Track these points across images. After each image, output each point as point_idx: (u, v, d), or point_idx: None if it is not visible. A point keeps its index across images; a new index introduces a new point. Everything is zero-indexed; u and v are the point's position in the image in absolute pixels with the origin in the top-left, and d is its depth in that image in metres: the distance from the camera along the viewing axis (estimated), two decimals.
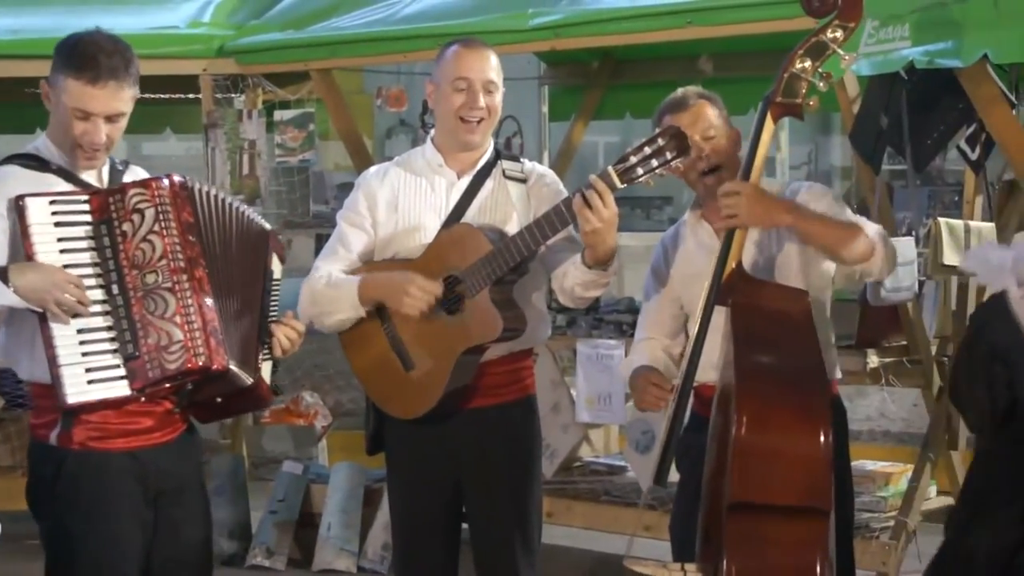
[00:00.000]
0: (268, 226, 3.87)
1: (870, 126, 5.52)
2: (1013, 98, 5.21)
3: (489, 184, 3.96)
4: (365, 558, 6.34)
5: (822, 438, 3.21)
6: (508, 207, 3.94)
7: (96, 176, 3.63)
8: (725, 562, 3.15)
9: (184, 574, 3.66)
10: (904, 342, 5.77)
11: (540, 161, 8.46)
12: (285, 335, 3.75)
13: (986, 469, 3.45)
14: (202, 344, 3.46)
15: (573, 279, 3.82)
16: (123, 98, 3.55)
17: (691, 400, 3.90)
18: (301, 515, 6.64)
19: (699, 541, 3.57)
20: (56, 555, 3.58)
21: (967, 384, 3.48)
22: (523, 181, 3.99)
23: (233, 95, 6.95)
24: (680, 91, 4.00)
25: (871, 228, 3.80)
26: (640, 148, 3.66)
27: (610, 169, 3.66)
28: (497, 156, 4.01)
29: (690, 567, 3.48)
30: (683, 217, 4.10)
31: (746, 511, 3.18)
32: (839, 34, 3.56)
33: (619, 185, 3.65)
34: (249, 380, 3.61)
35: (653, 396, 3.80)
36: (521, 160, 4.10)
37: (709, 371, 3.71)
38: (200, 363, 3.45)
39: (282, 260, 3.87)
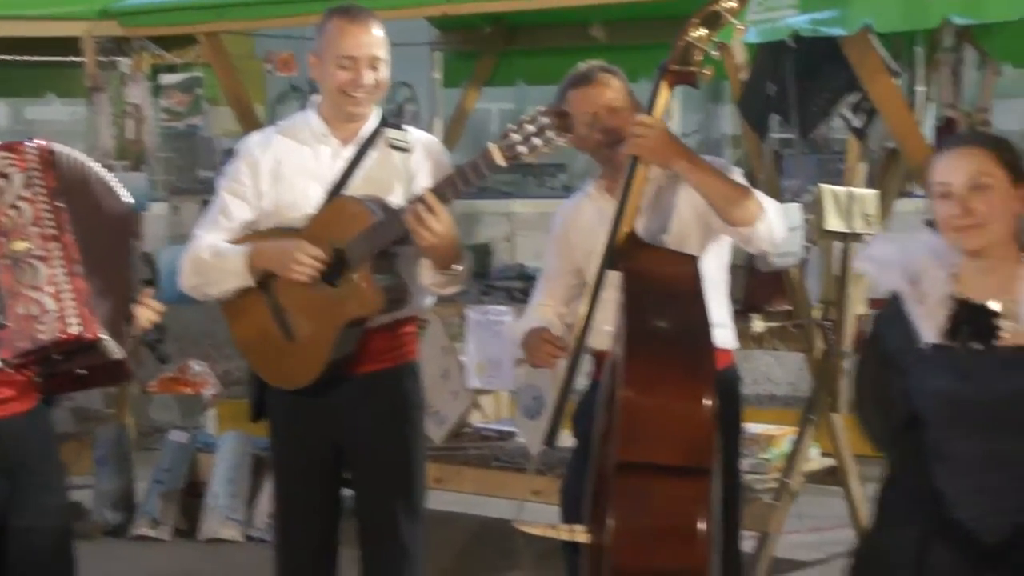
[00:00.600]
0: (131, 200, 3.76)
1: (757, 94, 5.59)
2: (895, 67, 5.29)
3: (373, 154, 3.94)
4: (252, 527, 6.34)
5: (705, 400, 3.23)
6: (392, 177, 3.92)
7: None
8: (611, 521, 3.18)
9: (41, 542, 3.58)
10: (789, 307, 5.86)
11: (432, 128, 8.48)
12: (145, 314, 3.60)
13: (890, 483, 3.30)
14: (75, 314, 3.40)
15: (427, 279, 3.88)
16: None
17: (591, 366, 3.95)
18: (187, 484, 6.60)
19: (588, 503, 3.59)
20: None
21: (867, 396, 3.37)
22: (407, 151, 3.96)
23: (117, 58, 6.89)
24: (584, 65, 4.01)
25: (765, 198, 3.81)
26: (521, 125, 3.66)
27: (491, 146, 3.67)
28: (382, 124, 3.99)
29: (578, 528, 3.52)
30: (585, 187, 4.12)
31: (632, 471, 3.20)
32: (734, 4, 3.56)
33: (501, 163, 3.66)
34: (121, 352, 3.52)
35: (546, 353, 3.84)
36: (405, 128, 4.07)
37: (607, 338, 3.72)
38: (74, 333, 3.39)
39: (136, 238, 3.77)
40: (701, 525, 3.18)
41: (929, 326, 3.13)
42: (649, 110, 3.67)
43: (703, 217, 3.84)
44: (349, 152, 3.93)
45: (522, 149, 3.65)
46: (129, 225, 3.66)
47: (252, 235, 3.96)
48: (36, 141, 3.53)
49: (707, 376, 3.29)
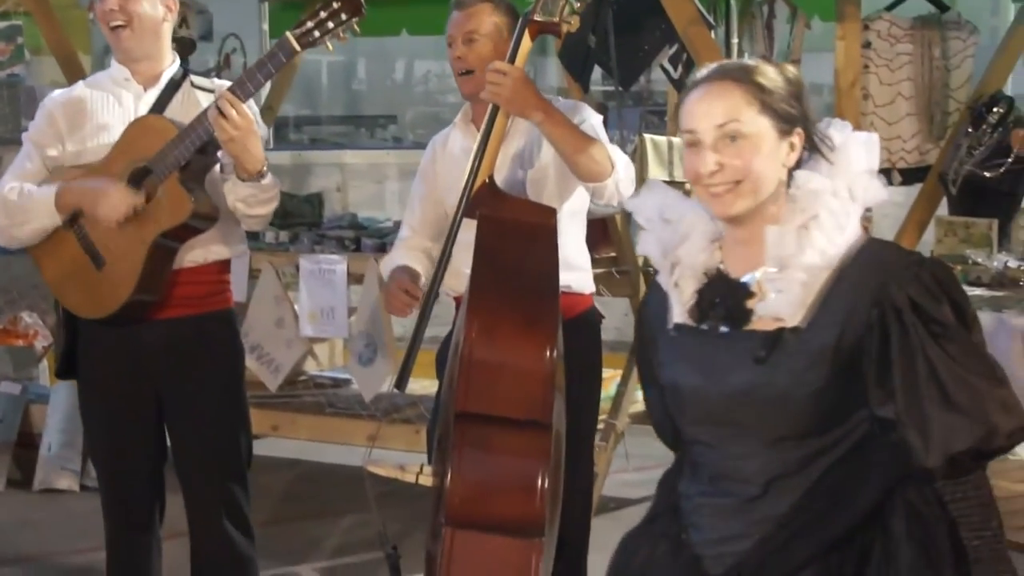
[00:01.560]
0: None
1: (579, 46, 5.68)
2: (711, 20, 5.45)
3: (179, 96, 3.92)
4: (88, 476, 6.27)
5: (546, 354, 3.14)
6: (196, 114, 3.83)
7: None
8: (451, 470, 3.11)
9: None
10: (613, 254, 6.01)
11: None
12: None
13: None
14: None
15: (233, 196, 3.82)
16: None
17: (453, 311, 3.94)
18: (20, 435, 6.56)
19: (436, 446, 3.58)
20: None
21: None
22: (211, 91, 3.93)
23: None
24: None
25: (617, 153, 3.79)
26: (316, 12, 3.68)
27: (288, 34, 3.68)
28: (185, 74, 3.97)
29: (428, 468, 3.51)
30: (455, 119, 4.11)
31: (471, 421, 3.12)
32: None
33: (298, 48, 3.66)
34: None
35: (401, 302, 3.83)
36: (212, 79, 4.07)
37: (464, 281, 3.61)
38: None
39: None
40: (537, 479, 3.10)
41: (679, 304, 2.61)
42: (512, 60, 3.61)
43: (562, 166, 3.80)
44: (153, 95, 3.90)
45: (317, 34, 3.66)
46: None
47: (58, 172, 3.90)
48: None
49: (549, 330, 3.19)
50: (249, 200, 3.82)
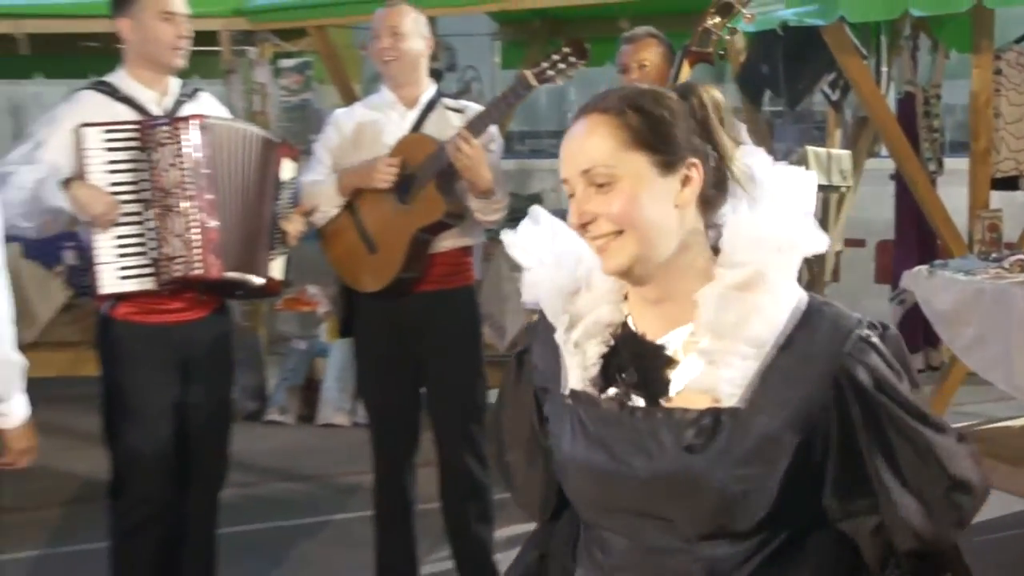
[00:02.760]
0: (276, 139, 3.79)
1: (753, 73, 5.63)
2: (864, 51, 5.34)
3: (434, 115, 3.97)
4: (358, 415, 6.32)
5: None
6: (450, 129, 3.90)
7: (157, 102, 3.59)
8: None
9: (207, 421, 3.63)
10: None
11: None
12: (294, 228, 3.74)
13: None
14: (199, 260, 3.47)
15: (473, 205, 3.86)
16: (182, 3, 3.56)
17: None
18: (306, 381, 6.67)
19: None
20: (105, 400, 3.59)
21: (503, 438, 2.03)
22: (461, 112, 3.98)
23: (247, 47, 6.91)
24: (639, 28, 3.98)
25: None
26: (550, 56, 3.73)
27: (526, 72, 3.72)
28: (439, 95, 4.02)
29: None
30: None
31: None
32: None
33: (535, 85, 3.70)
34: (259, 280, 3.60)
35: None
36: (461, 101, 4.12)
37: None
38: (197, 273, 3.48)
39: (295, 160, 3.80)
40: None
41: (578, 367, 1.79)
42: (674, 82, 3.54)
43: None
44: (413, 114, 3.95)
45: (550, 72, 3.70)
46: (268, 163, 3.68)
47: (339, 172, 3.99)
48: (194, 116, 3.52)
49: None
50: (484, 210, 3.86)
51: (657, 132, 1.69)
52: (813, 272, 5.98)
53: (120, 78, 3.59)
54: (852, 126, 6.09)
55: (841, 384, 1.67)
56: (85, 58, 8.11)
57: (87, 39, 7.42)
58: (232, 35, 6.81)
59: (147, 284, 3.49)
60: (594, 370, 1.77)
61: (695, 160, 1.69)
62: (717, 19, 3.57)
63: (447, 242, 3.94)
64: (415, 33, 3.93)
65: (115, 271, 3.46)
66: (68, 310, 6.87)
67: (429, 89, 4.02)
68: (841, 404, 1.67)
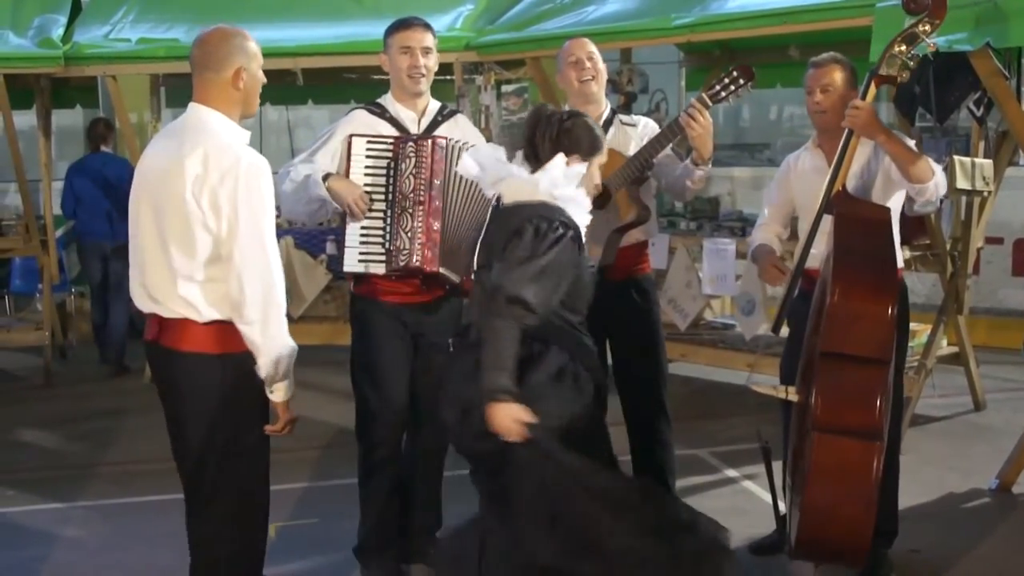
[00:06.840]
0: None
1: (907, 93, 5.44)
2: (1007, 73, 5.08)
3: (612, 130, 3.97)
4: None
5: (889, 309, 3.05)
6: (627, 142, 3.95)
7: (416, 121, 3.70)
8: (815, 391, 3.06)
9: (432, 385, 3.56)
10: (928, 241, 5.72)
11: None
12: None
13: None
14: (419, 254, 3.54)
15: (684, 174, 3.87)
16: (428, 39, 3.66)
17: (802, 281, 3.84)
18: None
19: (798, 377, 3.51)
20: (352, 364, 3.73)
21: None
22: (634, 126, 4.00)
23: (475, 76, 7.03)
24: (825, 54, 3.85)
25: (935, 165, 3.65)
26: (721, 79, 3.72)
27: (703, 94, 3.71)
28: (614, 113, 4.02)
29: (791, 389, 3.46)
30: (805, 144, 4.00)
31: (832, 357, 3.05)
32: (928, 27, 3.45)
33: (709, 105, 3.69)
34: (456, 278, 3.62)
35: (774, 275, 3.78)
36: (632, 116, 4.13)
37: (816, 260, 3.64)
38: (416, 265, 3.55)
39: None
40: (877, 399, 3.01)
41: None
42: (863, 99, 3.54)
43: (886, 174, 3.69)
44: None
45: (723, 94, 3.71)
46: None
47: None
48: (435, 138, 3.62)
49: (891, 292, 3.09)
50: (697, 180, 3.87)
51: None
52: (956, 265, 5.74)
53: (387, 100, 3.75)
54: (995, 139, 5.79)
55: None
56: (347, 87, 8.42)
57: (348, 71, 7.70)
58: (463, 65, 6.93)
59: (379, 269, 3.61)
60: None
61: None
62: (903, 47, 3.48)
63: (631, 237, 3.98)
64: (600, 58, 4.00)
65: (356, 254, 3.61)
66: (328, 291, 7.05)
67: (607, 107, 4.04)
68: None
